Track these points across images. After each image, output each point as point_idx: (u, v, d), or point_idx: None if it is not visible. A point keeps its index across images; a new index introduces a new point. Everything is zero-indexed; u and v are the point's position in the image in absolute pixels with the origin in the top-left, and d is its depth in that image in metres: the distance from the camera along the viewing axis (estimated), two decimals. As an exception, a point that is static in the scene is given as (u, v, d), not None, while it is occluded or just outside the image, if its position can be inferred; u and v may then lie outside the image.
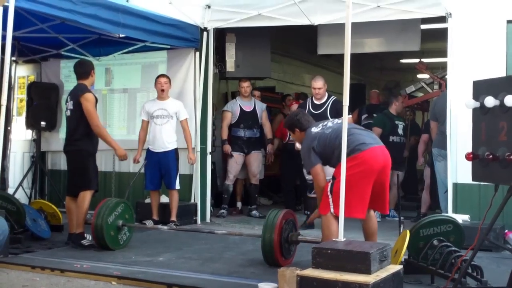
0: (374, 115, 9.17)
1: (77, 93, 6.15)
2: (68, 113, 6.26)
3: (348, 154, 4.52)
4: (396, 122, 8.48)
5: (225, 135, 8.39)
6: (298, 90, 13.37)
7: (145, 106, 7.44)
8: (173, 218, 7.26)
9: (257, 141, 8.55)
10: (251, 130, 8.47)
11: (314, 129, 5.18)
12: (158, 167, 7.29)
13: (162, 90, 7.30)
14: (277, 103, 10.57)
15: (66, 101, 6.39)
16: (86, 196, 6.11)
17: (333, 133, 5.01)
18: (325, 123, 5.31)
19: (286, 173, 8.91)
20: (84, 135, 6.12)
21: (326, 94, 7.53)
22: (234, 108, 8.44)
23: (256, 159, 8.53)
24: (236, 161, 8.39)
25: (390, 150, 8.33)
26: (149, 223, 7.14)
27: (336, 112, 7.19)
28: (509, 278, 3.37)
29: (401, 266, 4.06)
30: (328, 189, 4.86)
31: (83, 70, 6.29)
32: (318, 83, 7.46)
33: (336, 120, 5.38)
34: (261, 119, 8.53)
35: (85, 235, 6.08)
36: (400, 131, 8.48)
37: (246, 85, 8.42)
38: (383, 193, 4.98)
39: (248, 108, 8.47)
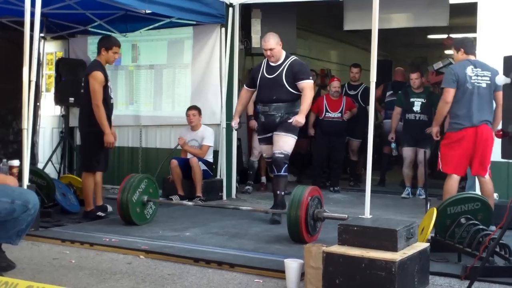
0: (399, 92, 9.15)
1: (87, 71, 6.23)
2: (82, 90, 6.28)
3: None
4: (412, 99, 8.27)
5: (251, 111, 8.34)
6: (324, 66, 13.30)
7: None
8: (199, 193, 7.32)
9: None
10: None
11: (468, 70, 5.68)
12: None
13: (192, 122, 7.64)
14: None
15: None
16: (89, 179, 6.23)
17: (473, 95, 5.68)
18: (480, 73, 5.70)
19: (319, 149, 8.89)
20: (92, 114, 6.09)
21: (284, 53, 6.29)
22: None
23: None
24: None
25: (408, 127, 8.38)
26: (175, 198, 7.22)
27: (293, 76, 6.13)
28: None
29: (428, 244, 4.04)
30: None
31: (98, 46, 6.35)
32: (268, 43, 6.18)
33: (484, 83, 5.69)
34: None
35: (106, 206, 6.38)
36: (417, 108, 8.23)
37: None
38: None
39: None
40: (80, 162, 6.55)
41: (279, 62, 6.23)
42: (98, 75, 6.10)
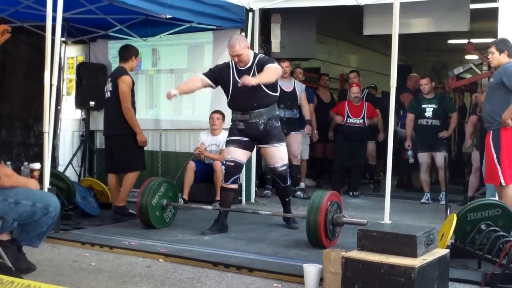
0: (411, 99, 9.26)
1: (116, 76, 6.50)
2: (108, 94, 6.61)
3: None
4: (424, 105, 8.28)
5: None
6: (343, 71, 13.29)
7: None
8: (219, 197, 7.32)
9: (297, 122, 8.49)
10: (291, 111, 8.40)
11: None
12: None
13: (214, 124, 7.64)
14: (317, 83, 10.50)
15: (106, 83, 6.74)
16: (132, 177, 6.53)
17: None
18: None
19: (340, 154, 8.87)
20: (124, 117, 6.44)
21: (252, 55, 5.70)
22: None
23: (295, 140, 8.48)
24: None
25: (420, 133, 8.40)
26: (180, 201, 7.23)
27: (261, 69, 5.56)
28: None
29: (448, 250, 4.01)
30: (495, 160, 5.52)
31: (125, 54, 6.67)
32: (234, 49, 5.53)
33: None
34: (300, 100, 8.49)
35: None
36: (429, 114, 8.24)
37: (285, 65, 8.33)
38: None
39: (287, 88, 8.38)
40: (119, 165, 6.69)
41: (248, 65, 5.65)
42: (127, 78, 6.45)
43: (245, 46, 5.59)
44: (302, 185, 8.72)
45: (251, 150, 6.01)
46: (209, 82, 5.78)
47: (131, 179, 6.55)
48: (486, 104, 5.92)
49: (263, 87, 5.56)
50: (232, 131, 5.89)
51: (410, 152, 8.60)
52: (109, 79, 6.73)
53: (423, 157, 8.37)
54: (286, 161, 5.88)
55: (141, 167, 6.68)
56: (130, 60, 6.63)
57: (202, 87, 5.88)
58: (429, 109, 8.28)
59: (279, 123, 5.95)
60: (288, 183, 6.00)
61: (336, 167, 8.90)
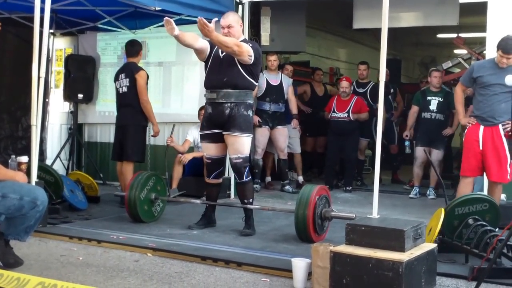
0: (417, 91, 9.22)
1: (132, 71, 6.80)
2: (125, 89, 6.86)
3: None
4: (429, 98, 8.14)
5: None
6: (333, 65, 13.31)
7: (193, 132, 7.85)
8: (207, 191, 7.31)
9: (282, 116, 8.48)
10: (277, 104, 8.38)
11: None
12: None
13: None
14: (311, 78, 10.52)
15: (118, 79, 6.96)
16: (129, 167, 6.86)
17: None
18: None
19: (330, 149, 8.87)
20: (140, 110, 6.83)
21: (241, 35, 5.54)
22: (260, 81, 8.17)
23: (282, 134, 8.48)
24: (261, 134, 8.33)
25: (423, 126, 8.31)
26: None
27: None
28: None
29: (435, 245, 4.03)
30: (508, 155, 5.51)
31: (134, 49, 6.98)
32: (227, 19, 5.42)
33: None
34: (287, 94, 8.48)
35: None
36: (433, 107, 8.10)
37: (273, 59, 8.35)
38: None
39: (274, 82, 8.38)
40: (122, 152, 6.94)
41: None
42: (144, 73, 6.86)
43: (238, 22, 5.44)
44: (300, 179, 8.78)
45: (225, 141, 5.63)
46: (207, 44, 5.47)
47: (129, 169, 6.82)
48: (502, 103, 5.64)
49: (239, 65, 5.31)
50: (202, 123, 5.74)
51: (407, 143, 8.57)
52: (122, 74, 6.92)
53: (420, 151, 8.24)
54: (243, 154, 5.49)
55: (138, 158, 6.97)
56: (138, 55, 6.99)
57: (196, 47, 5.48)
58: (434, 102, 8.09)
59: (250, 113, 5.59)
60: (245, 179, 5.55)
61: (328, 161, 8.92)
